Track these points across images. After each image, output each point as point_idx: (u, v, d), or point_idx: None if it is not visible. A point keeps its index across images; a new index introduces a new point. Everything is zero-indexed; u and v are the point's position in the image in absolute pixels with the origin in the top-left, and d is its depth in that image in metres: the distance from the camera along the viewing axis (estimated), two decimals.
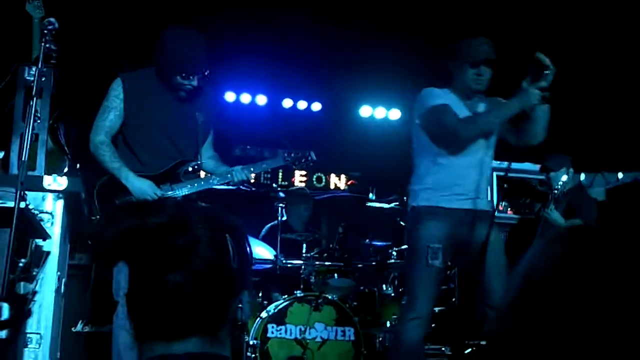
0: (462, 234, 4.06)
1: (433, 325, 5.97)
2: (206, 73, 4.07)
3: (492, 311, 3.87)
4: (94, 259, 1.29)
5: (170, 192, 4.07)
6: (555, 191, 5.57)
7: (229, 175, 4.19)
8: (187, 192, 4.11)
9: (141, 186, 3.99)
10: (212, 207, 1.34)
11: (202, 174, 4.42)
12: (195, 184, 4.14)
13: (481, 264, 3.94)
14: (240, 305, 1.36)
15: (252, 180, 4.43)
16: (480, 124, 4.00)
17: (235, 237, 1.35)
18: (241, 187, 6.04)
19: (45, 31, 3.34)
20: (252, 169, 4.23)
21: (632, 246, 1.06)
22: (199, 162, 4.19)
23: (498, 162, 6.47)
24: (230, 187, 4.46)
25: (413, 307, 3.98)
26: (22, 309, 1.49)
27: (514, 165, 6.54)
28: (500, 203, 6.43)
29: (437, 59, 4.21)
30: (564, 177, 5.69)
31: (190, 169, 4.16)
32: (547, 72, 3.76)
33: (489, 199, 4.23)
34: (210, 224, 1.31)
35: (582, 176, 6.34)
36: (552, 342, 1.08)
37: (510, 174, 6.49)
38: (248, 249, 1.39)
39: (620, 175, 7.06)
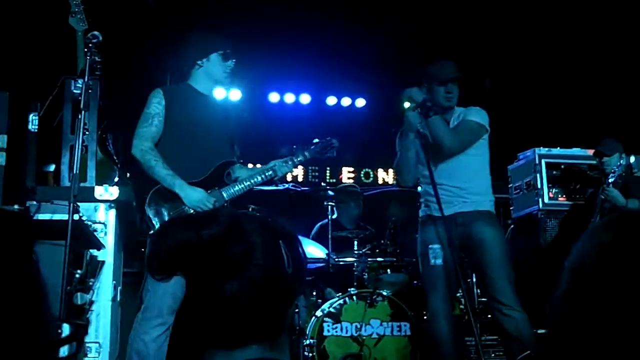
0: (455, 234, 4.26)
1: (489, 315, 5.89)
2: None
3: (499, 305, 4.13)
4: (151, 273, 1.28)
5: (219, 198, 4.01)
6: (612, 174, 5.51)
7: (270, 172, 4.17)
8: (236, 194, 4.07)
9: (196, 196, 3.90)
10: (264, 213, 1.34)
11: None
12: (242, 185, 4.08)
13: (477, 260, 4.24)
14: (297, 310, 1.36)
15: (295, 174, 4.51)
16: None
17: (289, 242, 1.35)
18: (287, 186, 6.06)
19: (90, 44, 3.39)
20: (292, 160, 4.26)
21: None
22: (237, 162, 4.22)
23: (546, 148, 6.45)
24: (272, 186, 4.49)
25: (427, 306, 4.37)
26: (81, 326, 1.50)
27: (563, 151, 6.49)
28: (551, 190, 6.37)
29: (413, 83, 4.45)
30: (617, 160, 5.64)
31: (231, 171, 4.16)
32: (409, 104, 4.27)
33: (473, 200, 4.34)
34: (264, 231, 1.31)
35: (632, 159, 6.20)
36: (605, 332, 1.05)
37: (559, 160, 6.44)
38: (302, 254, 1.38)
39: None
